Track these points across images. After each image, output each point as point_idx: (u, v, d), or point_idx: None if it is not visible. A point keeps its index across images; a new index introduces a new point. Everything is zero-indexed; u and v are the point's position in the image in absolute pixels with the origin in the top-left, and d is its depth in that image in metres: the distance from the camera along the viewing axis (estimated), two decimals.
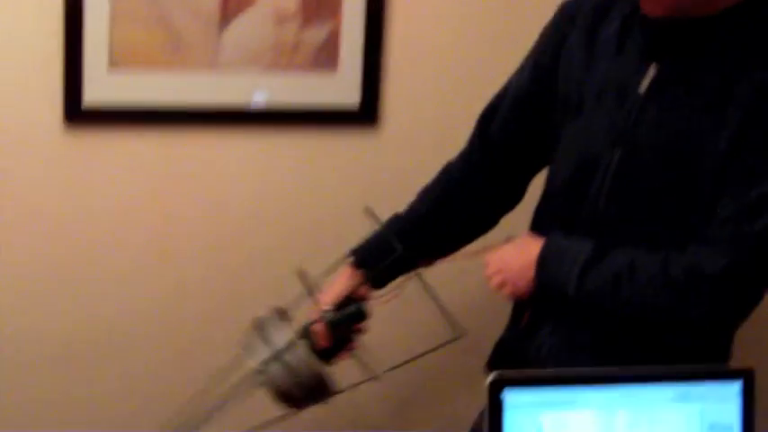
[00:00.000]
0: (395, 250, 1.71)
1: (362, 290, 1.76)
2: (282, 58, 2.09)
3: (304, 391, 1.68)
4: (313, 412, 1.75)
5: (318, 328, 1.72)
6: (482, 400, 1.74)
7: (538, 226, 1.70)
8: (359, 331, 1.75)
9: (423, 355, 1.74)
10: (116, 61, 1.99)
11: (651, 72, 1.52)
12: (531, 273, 1.58)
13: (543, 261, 1.56)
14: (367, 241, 1.78)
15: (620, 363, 1.47)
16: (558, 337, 1.63)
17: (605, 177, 1.56)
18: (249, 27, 2.07)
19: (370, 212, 1.74)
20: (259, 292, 2.17)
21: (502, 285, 1.62)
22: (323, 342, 1.71)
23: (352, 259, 1.77)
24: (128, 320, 2.13)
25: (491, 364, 1.77)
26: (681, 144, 1.49)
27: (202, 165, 2.12)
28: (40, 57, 1.96)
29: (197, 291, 2.16)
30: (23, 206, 2.03)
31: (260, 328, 1.71)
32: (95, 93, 2.00)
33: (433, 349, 1.72)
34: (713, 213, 1.47)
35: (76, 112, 2.00)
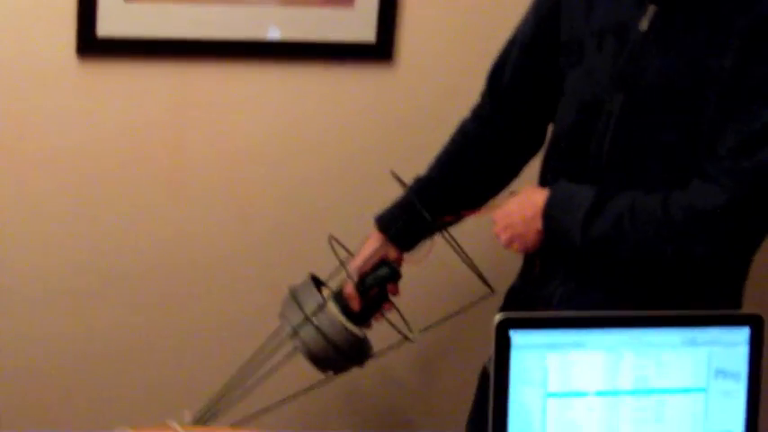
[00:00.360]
0: (419, 213, 1.72)
1: (392, 253, 1.78)
2: None
3: (339, 355, 1.70)
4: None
5: (350, 291, 1.73)
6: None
7: (544, 176, 1.70)
8: (391, 293, 1.76)
9: (456, 314, 1.75)
10: None
11: (650, 11, 1.52)
12: (537, 225, 1.58)
13: (549, 212, 1.56)
14: (392, 206, 1.79)
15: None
16: (569, 286, 1.63)
17: (609, 121, 1.55)
18: None
19: (394, 176, 1.73)
20: (270, 227, 2.19)
21: (510, 241, 1.62)
22: (355, 305, 1.73)
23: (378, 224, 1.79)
24: (136, 255, 2.14)
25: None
26: (683, 81, 1.49)
27: (217, 98, 2.11)
28: None
29: (207, 225, 2.16)
30: (36, 137, 2.02)
31: (294, 294, 1.73)
32: (110, 24, 1.98)
33: (466, 308, 1.74)
34: (714, 151, 1.47)
35: (90, 44, 1.98)
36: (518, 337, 1.26)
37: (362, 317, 1.75)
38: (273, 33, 2.08)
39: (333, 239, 1.75)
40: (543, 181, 1.69)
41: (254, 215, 2.18)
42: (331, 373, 1.76)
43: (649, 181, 1.53)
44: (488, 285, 1.71)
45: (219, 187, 2.15)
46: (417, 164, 1.81)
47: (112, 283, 2.13)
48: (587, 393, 1.28)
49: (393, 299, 1.77)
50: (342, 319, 1.71)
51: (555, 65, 1.67)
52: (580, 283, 1.63)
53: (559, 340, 1.27)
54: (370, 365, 1.81)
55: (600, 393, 1.28)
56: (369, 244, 1.78)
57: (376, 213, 1.81)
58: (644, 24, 1.52)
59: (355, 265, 1.76)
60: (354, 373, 1.79)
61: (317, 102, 2.16)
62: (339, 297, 1.74)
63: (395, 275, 1.76)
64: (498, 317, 1.26)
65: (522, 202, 1.61)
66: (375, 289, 1.74)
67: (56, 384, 2.15)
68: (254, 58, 2.09)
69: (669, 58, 1.50)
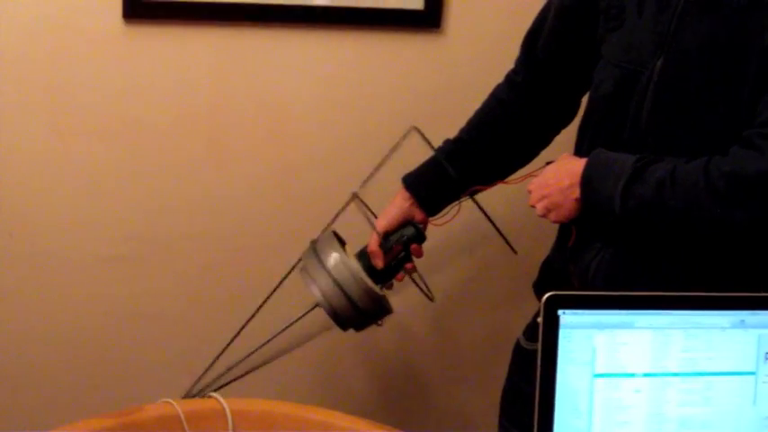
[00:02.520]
0: (448, 175, 1.71)
1: (418, 214, 1.77)
2: None
3: (357, 311, 1.69)
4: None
5: (373, 248, 1.73)
6: (525, 320, 1.77)
7: (581, 145, 1.68)
8: (414, 254, 1.76)
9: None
10: None
11: None
12: (574, 194, 1.55)
13: (587, 181, 1.53)
14: (420, 166, 1.78)
15: (669, 286, 1.46)
16: (605, 257, 1.61)
17: (647, 89, 1.53)
18: None
19: (419, 132, 1.72)
20: (313, 193, 2.18)
21: (547, 211, 1.60)
22: (378, 262, 1.73)
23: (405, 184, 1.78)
24: (180, 219, 2.15)
25: (538, 285, 1.76)
26: (724, 45, 1.46)
27: (262, 63, 2.10)
28: None
29: (250, 189, 2.16)
30: (82, 101, 2.03)
31: (315, 249, 1.73)
32: None
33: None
34: (755, 117, 1.44)
35: (137, 7, 1.98)
36: (566, 317, 1.25)
37: (384, 275, 1.74)
38: None
39: (357, 198, 1.74)
40: (579, 150, 1.67)
41: (298, 180, 2.18)
42: (351, 330, 1.76)
43: (689, 148, 1.50)
44: (511, 248, 1.71)
45: (263, 152, 2.15)
46: None
47: (156, 248, 2.15)
48: (635, 375, 1.27)
49: (416, 261, 1.77)
50: (362, 274, 1.70)
51: (592, 31, 1.64)
52: (616, 254, 1.61)
53: (608, 320, 1.26)
54: (388, 324, 1.80)
55: (647, 375, 1.27)
56: (395, 203, 1.77)
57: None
58: None
59: (381, 223, 1.76)
60: (373, 331, 1.79)
61: (362, 68, 2.15)
62: (362, 254, 1.74)
63: (420, 236, 1.75)
64: (548, 295, 1.25)
65: (559, 171, 1.59)
66: (398, 247, 1.73)
67: (99, 349, 2.18)
68: (301, 23, 2.08)
69: (710, 21, 1.48)
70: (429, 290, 1.78)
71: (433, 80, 2.17)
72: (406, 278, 1.78)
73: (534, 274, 1.78)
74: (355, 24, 2.10)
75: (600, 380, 1.26)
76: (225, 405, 1.55)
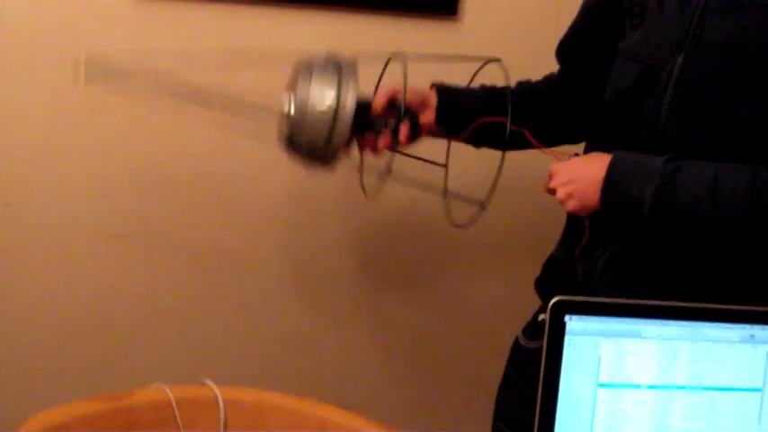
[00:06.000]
0: (476, 101, 1.68)
1: (429, 112, 1.71)
2: None
3: (311, 146, 1.61)
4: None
5: (381, 100, 1.66)
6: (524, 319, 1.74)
7: (594, 141, 1.65)
8: (400, 136, 1.66)
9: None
10: None
11: None
12: (600, 189, 1.52)
13: (612, 179, 1.49)
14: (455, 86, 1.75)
15: (678, 292, 1.43)
16: (614, 256, 1.58)
17: (666, 86, 1.50)
18: None
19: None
20: (325, 187, 2.15)
21: (568, 197, 1.56)
22: (378, 105, 1.66)
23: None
24: (181, 193, 2.12)
25: (540, 283, 1.73)
26: (749, 43, 1.43)
27: (274, 43, 2.06)
28: None
29: (264, 166, 2.14)
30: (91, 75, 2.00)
31: (334, 63, 1.64)
32: None
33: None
34: None
35: None
36: (573, 323, 1.22)
37: (362, 124, 1.64)
38: None
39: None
40: (594, 144, 1.64)
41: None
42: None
43: (708, 147, 1.47)
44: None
45: (271, 133, 2.12)
46: None
47: (155, 231, 2.12)
48: (639, 386, 1.24)
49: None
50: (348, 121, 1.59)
51: (617, 31, 1.62)
52: (625, 252, 1.57)
53: (615, 328, 1.23)
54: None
55: (652, 387, 1.24)
56: (417, 89, 1.71)
57: None
58: None
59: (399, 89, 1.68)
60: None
61: (378, 53, 2.11)
62: (365, 106, 1.65)
63: (416, 127, 1.67)
64: (555, 300, 1.22)
65: (589, 162, 1.56)
66: (394, 115, 1.66)
67: (95, 329, 2.16)
68: (316, 4, 2.05)
69: (735, 18, 1.45)
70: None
71: (448, 67, 2.13)
72: None
73: (534, 271, 1.75)
74: (371, 8, 2.07)
75: (604, 390, 1.23)
76: (217, 392, 1.52)
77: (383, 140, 1.66)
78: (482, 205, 1.68)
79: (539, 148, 1.63)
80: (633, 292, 1.42)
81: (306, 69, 1.63)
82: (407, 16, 2.10)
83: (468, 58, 1.71)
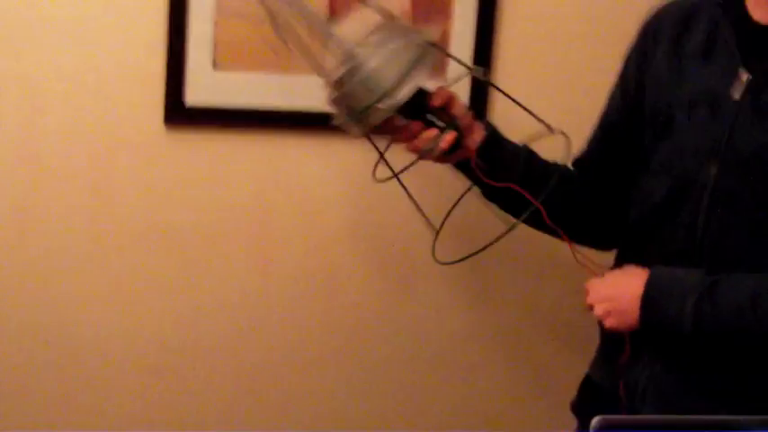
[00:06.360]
0: (517, 157, 1.65)
1: (473, 139, 1.65)
2: None
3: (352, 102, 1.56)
4: None
5: (439, 99, 1.61)
6: None
7: (625, 255, 1.62)
8: (442, 141, 1.61)
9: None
10: (219, 61, 1.96)
11: (744, 77, 1.46)
12: (639, 306, 1.49)
13: (650, 297, 1.47)
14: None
15: (723, 402, 1.39)
16: (655, 372, 1.54)
17: (701, 197, 1.48)
18: (357, 28, 2.01)
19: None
20: (355, 296, 2.15)
21: (607, 314, 1.53)
22: (438, 100, 1.61)
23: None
24: (221, 320, 2.11)
25: (578, 406, 1.69)
26: None
27: (304, 168, 2.08)
28: (143, 56, 1.94)
29: (294, 294, 2.13)
30: (124, 206, 2.01)
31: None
32: (197, 92, 1.96)
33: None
34: None
35: (178, 112, 1.97)
36: None
37: (417, 110, 1.60)
38: None
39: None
40: (627, 257, 1.61)
41: (340, 287, 2.14)
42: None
43: (748, 259, 1.45)
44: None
45: (306, 259, 2.12)
46: None
47: (194, 357, 2.11)
48: None
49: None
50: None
51: (638, 142, 1.61)
52: (666, 368, 1.54)
53: None
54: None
55: None
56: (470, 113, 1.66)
57: None
58: (737, 93, 1.46)
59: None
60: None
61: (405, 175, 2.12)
62: (423, 94, 1.60)
63: (460, 139, 1.62)
64: (596, 421, 1.18)
65: (625, 278, 1.53)
66: (448, 118, 1.61)
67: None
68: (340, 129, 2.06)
69: (765, 124, 1.44)
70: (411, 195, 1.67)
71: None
72: None
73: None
74: None
75: None
76: None
77: (426, 135, 1.60)
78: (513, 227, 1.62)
79: (575, 256, 1.60)
80: (679, 410, 1.39)
81: (388, 30, 1.59)
82: None
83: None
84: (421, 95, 1.58)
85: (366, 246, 2.15)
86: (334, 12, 1.99)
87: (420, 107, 1.60)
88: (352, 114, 1.58)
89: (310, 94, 1.99)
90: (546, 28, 2.13)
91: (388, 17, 1.63)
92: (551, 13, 2.13)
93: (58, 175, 1.96)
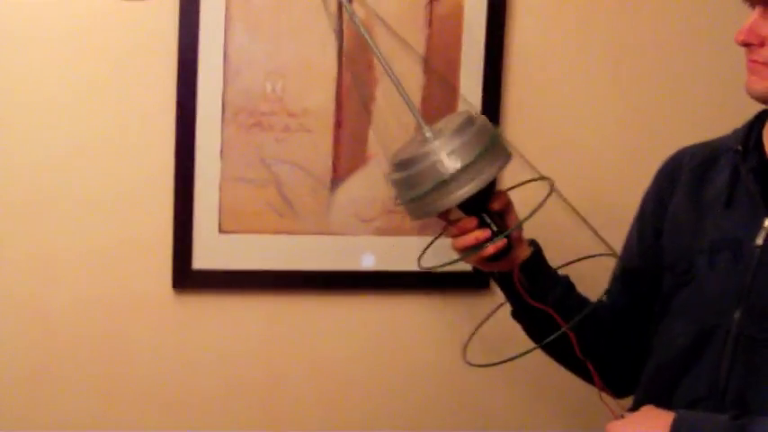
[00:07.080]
0: (557, 285, 1.66)
1: (523, 253, 1.66)
2: (393, 221, 2.06)
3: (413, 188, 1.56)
4: None
5: (503, 200, 1.62)
6: None
7: (645, 400, 1.60)
8: (489, 247, 1.59)
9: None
10: (225, 225, 1.99)
11: (766, 226, 1.46)
12: None
13: None
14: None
15: None
16: None
17: (725, 343, 1.47)
18: (360, 189, 2.05)
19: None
20: None
21: None
22: (496, 204, 1.61)
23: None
24: None
25: None
26: None
27: (312, 329, 2.09)
28: (151, 222, 1.97)
29: None
30: (134, 370, 2.02)
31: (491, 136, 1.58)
32: (204, 256, 1.99)
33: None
34: None
35: (186, 277, 1.99)
36: None
37: (477, 207, 1.59)
38: (367, 262, 2.06)
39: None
40: (648, 399, 1.59)
41: None
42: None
43: None
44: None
45: (317, 419, 2.10)
46: None
47: None
48: None
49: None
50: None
51: (657, 288, 1.61)
52: None
53: None
54: None
55: None
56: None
57: None
58: (760, 239, 1.46)
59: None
60: None
61: (414, 332, 2.12)
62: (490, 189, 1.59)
63: (508, 248, 1.61)
64: None
65: (648, 421, 1.48)
66: (505, 224, 1.61)
67: None
68: (349, 288, 2.08)
69: None
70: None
71: (482, 337, 2.13)
72: None
73: None
74: (404, 287, 2.09)
75: None
76: None
77: (477, 234, 1.59)
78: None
79: (600, 395, 1.59)
80: None
81: (464, 121, 1.59)
82: (440, 293, 2.12)
83: None
84: (484, 193, 1.58)
85: (379, 402, 2.13)
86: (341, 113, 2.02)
87: (480, 205, 1.60)
88: (415, 199, 1.58)
89: (313, 254, 2.03)
90: (551, 90, 2.14)
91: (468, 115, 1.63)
92: (557, 76, 2.14)
93: (68, 342, 1.98)
